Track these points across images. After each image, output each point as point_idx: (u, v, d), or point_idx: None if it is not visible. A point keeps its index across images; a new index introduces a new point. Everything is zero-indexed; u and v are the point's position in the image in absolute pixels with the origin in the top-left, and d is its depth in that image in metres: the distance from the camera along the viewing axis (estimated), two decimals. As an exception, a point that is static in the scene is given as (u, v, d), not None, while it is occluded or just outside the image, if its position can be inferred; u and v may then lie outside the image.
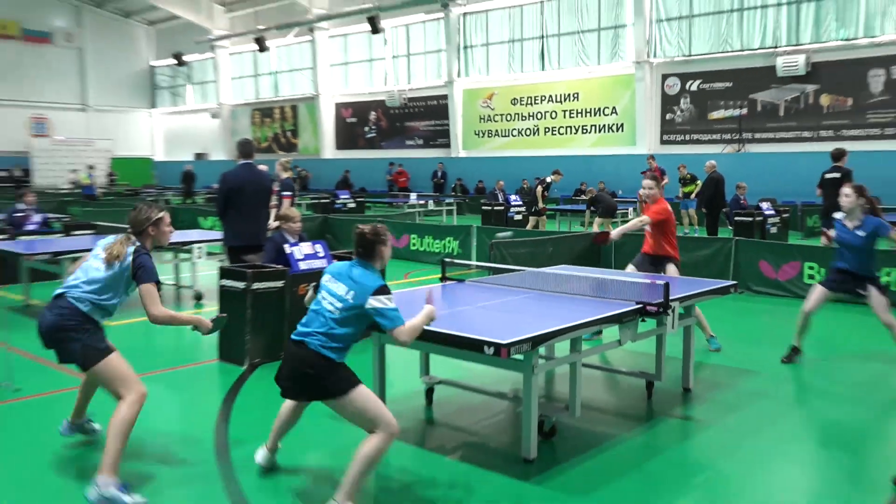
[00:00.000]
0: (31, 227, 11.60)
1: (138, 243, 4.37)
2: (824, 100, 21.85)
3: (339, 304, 3.94)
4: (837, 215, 7.00)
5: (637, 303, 5.24)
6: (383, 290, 3.92)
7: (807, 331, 6.97)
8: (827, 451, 4.99)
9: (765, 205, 15.93)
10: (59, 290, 4.30)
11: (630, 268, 7.66)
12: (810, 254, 10.38)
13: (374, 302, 3.87)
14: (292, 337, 4.03)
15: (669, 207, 7.58)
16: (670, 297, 5.24)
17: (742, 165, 21.30)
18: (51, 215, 13.75)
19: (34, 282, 9.89)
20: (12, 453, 4.87)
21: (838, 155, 12.12)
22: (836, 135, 21.36)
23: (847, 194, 6.74)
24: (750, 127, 23.13)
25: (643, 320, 5.27)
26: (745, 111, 23.25)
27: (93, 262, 4.33)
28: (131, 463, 4.62)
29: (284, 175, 11.36)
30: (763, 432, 5.28)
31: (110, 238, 4.44)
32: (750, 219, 15.13)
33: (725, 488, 4.36)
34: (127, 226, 4.48)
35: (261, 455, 4.48)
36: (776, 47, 22.37)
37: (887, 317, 6.60)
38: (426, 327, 4.17)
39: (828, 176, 12.11)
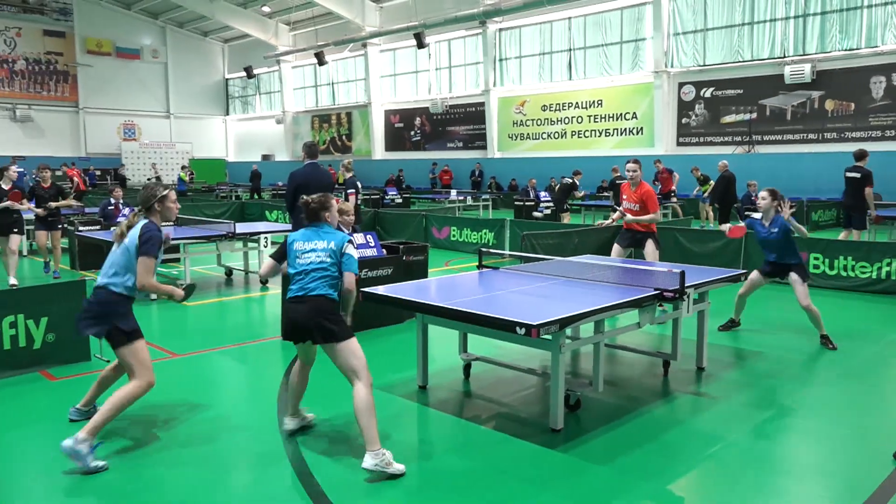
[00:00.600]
0: (120, 219, 11.80)
1: (146, 220, 4.34)
2: (829, 105, 21.19)
3: (326, 255, 4.16)
4: (755, 215, 7.13)
5: (655, 289, 5.13)
6: (351, 242, 4.25)
7: (743, 308, 7.29)
8: (831, 426, 4.82)
9: (773, 201, 15.52)
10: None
11: (615, 247, 7.99)
12: (815, 245, 10.07)
13: (349, 248, 4.20)
14: (294, 295, 4.14)
15: (652, 189, 7.88)
16: (686, 284, 5.11)
17: (752, 165, 20.82)
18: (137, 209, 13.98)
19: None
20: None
21: (860, 155, 11.37)
22: (840, 137, 20.76)
23: (763, 197, 6.91)
24: (759, 130, 22.56)
25: (660, 305, 5.15)
26: (754, 115, 22.68)
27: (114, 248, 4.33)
28: (205, 424, 4.67)
29: (348, 175, 11.44)
30: (771, 408, 5.13)
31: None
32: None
33: (737, 457, 4.24)
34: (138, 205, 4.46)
35: (288, 422, 4.55)
36: (784, 57, 21.74)
37: (807, 302, 6.73)
38: (464, 309, 4.23)
39: (848, 175, 11.48)
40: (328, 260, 4.17)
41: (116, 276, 4.25)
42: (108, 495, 3.73)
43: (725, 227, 7.19)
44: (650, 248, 7.72)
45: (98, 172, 36.29)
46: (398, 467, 3.90)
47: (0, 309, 5.66)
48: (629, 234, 7.93)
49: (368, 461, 3.88)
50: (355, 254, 4.23)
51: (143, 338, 4.32)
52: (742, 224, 7.17)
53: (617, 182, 16.38)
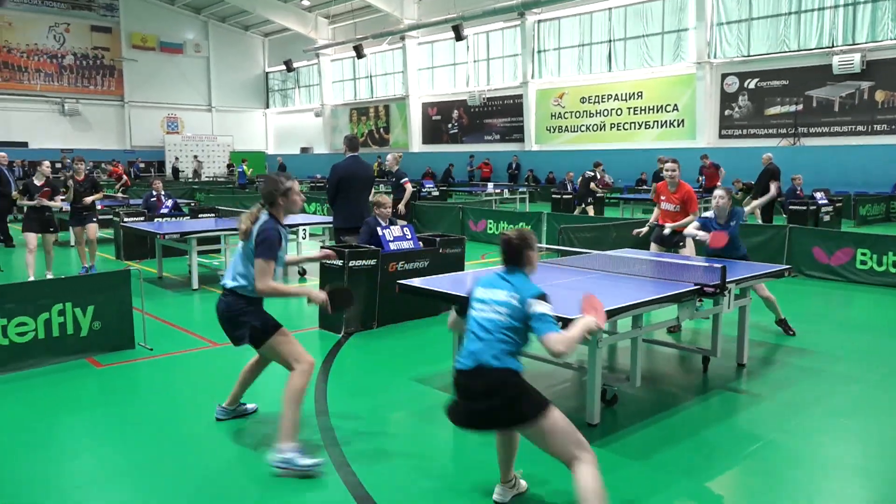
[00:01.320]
0: (163, 211, 12.06)
1: (267, 216, 3.97)
2: (879, 95, 20.50)
3: (504, 309, 3.24)
4: (707, 214, 6.80)
5: (695, 284, 5.04)
6: (543, 297, 3.22)
7: None
8: (876, 427, 4.69)
9: (818, 195, 15.15)
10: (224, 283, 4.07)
11: (653, 246, 7.57)
12: (863, 241, 9.79)
13: (536, 306, 3.18)
14: (462, 367, 3.23)
15: (692, 189, 7.55)
16: (727, 280, 5.02)
17: (797, 158, 20.30)
18: (180, 200, 14.27)
19: (166, 257, 10.29)
20: (146, 400, 5.09)
21: None
22: (891, 129, 20.06)
23: (721, 196, 6.63)
24: (805, 122, 21.97)
25: (700, 300, 5.07)
26: (800, 107, 22.08)
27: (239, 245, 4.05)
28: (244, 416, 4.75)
29: (396, 167, 11.60)
30: (814, 407, 5.01)
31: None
32: (804, 208, 14.41)
33: (776, 458, 4.15)
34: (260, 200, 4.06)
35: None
36: (832, 46, 21.10)
37: (765, 292, 6.60)
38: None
39: None
40: (504, 320, 3.23)
41: (243, 279, 3.98)
42: (157, 476, 3.83)
43: (703, 235, 6.48)
44: (690, 248, 7.36)
45: (142, 165, 37.17)
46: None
47: (49, 298, 5.84)
48: (661, 232, 7.52)
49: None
50: (548, 309, 3.20)
51: (281, 326, 4.07)
52: (724, 231, 6.52)
53: (662, 176, 16.09)
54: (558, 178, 24.54)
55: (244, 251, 3.97)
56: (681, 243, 7.28)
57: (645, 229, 8.04)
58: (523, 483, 3.64)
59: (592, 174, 16.77)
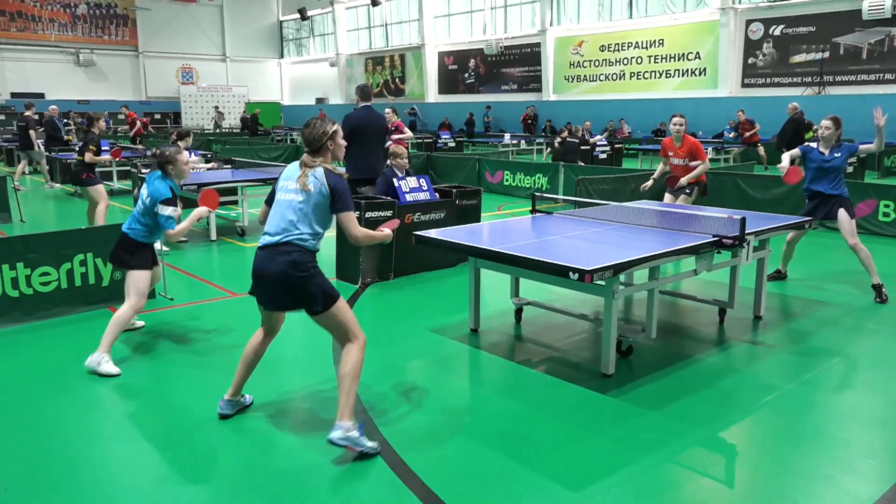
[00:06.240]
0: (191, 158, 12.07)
1: (320, 164, 3.66)
2: (909, 42, 19.88)
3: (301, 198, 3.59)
4: (812, 144, 6.75)
5: (714, 236, 5.00)
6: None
7: (791, 258, 7.07)
8: (892, 378, 4.69)
9: (842, 145, 14.83)
10: (274, 240, 3.61)
11: (668, 197, 7.91)
12: (886, 192, 9.62)
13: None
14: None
15: (695, 139, 7.89)
16: (746, 231, 4.96)
17: (822, 108, 19.75)
18: (198, 152, 14.27)
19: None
20: (166, 348, 5.19)
21: None
22: (920, 77, 19.54)
23: (828, 126, 6.60)
24: (831, 70, 21.37)
25: (718, 252, 5.03)
26: (826, 55, 21.46)
27: (292, 197, 3.64)
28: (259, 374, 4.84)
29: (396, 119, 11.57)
30: (832, 359, 5.00)
31: (291, 169, 3.74)
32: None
33: (792, 406, 4.17)
34: (305, 147, 3.73)
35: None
36: (863, -10, 20.38)
37: (854, 240, 6.50)
38: (516, 253, 4.20)
39: None
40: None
41: (308, 233, 3.64)
42: (178, 420, 3.93)
43: (783, 166, 6.58)
44: (685, 197, 7.75)
45: (158, 116, 37.08)
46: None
47: (71, 248, 5.92)
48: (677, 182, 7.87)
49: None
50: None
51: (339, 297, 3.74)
52: (800, 168, 6.70)
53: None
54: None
55: (303, 206, 3.60)
56: (686, 190, 7.70)
57: (650, 183, 8.16)
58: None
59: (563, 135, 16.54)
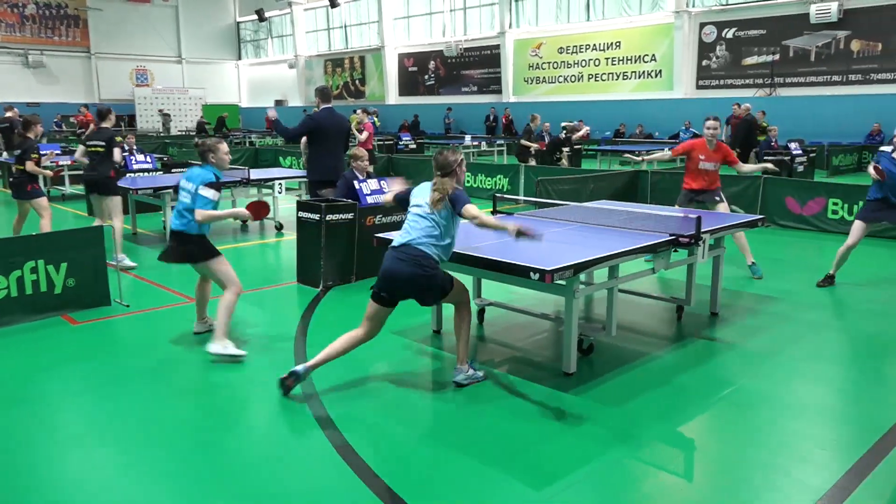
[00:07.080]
0: (136, 166, 11.81)
1: (456, 187, 4.34)
2: (855, 45, 20.52)
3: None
4: (885, 148, 6.66)
5: (670, 235, 5.09)
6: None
7: (845, 262, 6.97)
8: (846, 371, 4.84)
9: (793, 145, 15.22)
10: (403, 241, 4.31)
11: (689, 204, 7.30)
12: (834, 190, 9.93)
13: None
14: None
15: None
16: (702, 230, 5.07)
17: (773, 108, 20.31)
18: (154, 155, 13.98)
19: (140, 213, 10.14)
20: (125, 355, 5.07)
21: None
22: (865, 79, 20.17)
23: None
24: (781, 72, 21.98)
25: (675, 251, 5.13)
26: (777, 57, 22.06)
27: (420, 211, 4.35)
28: (224, 366, 4.76)
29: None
30: (784, 352, 5.14)
31: (424, 189, 4.41)
32: (779, 158, 14.48)
33: (748, 401, 4.27)
34: (436, 170, 4.40)
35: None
36: (810, -5, 21.02)
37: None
38: (478, 254, 4.38)
39: None
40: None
41: (434, 245, 4.27)
42: (138, 427, 3.84)
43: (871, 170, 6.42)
44: (723, 205, 7.24)
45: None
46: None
47: (20, 255, 5.74)
48: (693, 194, 7.31)
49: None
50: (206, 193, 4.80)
51: None
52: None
53: (698, 134, 15.72)
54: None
55: (432, 218, 4.27)
56: (716, 197, 7.21)
57: (639, 159, 7.86)
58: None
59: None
